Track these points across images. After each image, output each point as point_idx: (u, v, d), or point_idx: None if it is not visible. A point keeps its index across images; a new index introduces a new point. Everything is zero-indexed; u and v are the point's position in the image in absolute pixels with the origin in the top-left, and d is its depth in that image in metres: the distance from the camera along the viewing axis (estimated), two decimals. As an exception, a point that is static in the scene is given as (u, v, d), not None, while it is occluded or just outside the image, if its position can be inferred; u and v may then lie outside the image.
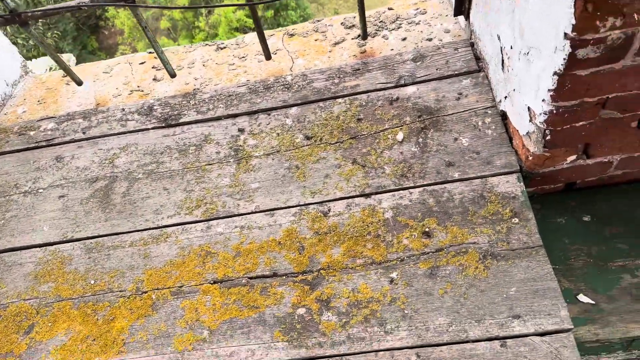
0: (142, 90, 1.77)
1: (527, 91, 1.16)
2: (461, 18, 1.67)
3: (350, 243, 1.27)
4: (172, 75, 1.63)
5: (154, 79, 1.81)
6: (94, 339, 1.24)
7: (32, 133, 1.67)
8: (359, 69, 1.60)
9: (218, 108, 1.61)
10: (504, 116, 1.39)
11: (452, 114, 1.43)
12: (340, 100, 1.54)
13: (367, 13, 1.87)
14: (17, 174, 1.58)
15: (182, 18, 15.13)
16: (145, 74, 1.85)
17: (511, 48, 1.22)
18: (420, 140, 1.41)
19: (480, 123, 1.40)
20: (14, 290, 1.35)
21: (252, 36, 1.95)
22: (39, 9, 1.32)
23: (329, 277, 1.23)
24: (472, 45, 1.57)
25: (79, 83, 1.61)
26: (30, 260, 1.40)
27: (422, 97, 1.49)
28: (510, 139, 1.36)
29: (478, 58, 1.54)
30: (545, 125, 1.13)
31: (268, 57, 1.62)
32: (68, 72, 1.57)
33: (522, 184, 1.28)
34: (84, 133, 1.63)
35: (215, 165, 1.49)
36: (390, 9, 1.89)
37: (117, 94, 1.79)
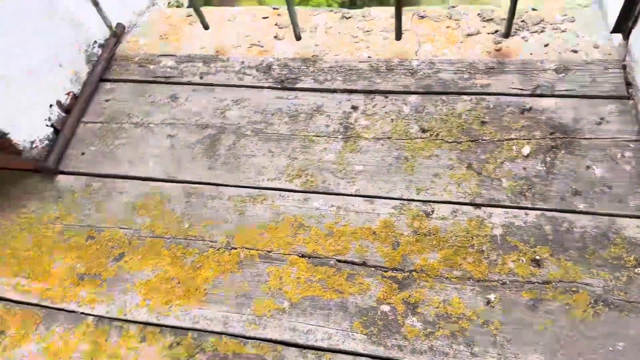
0: (262, 47, 1.75)
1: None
2: (617, 36, 1.50)
3: (449, 251, 1.21)
4: (298, 38, 1.59)
5: (275, 37, 1.79)
6: (179, 282, 1.26)
7: (152, 67, 1.70)
8: (492, 68, 1.49)
9: (336, 80, 1.56)
10: (649, 154, 1.25)
11: (589, 138, 1.31)
12: (466, 97, 1.45)
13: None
14: (132, 104, 1.62)
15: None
16: (267, 29, 1.83)
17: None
18: (548, 159, 1.30)
19: (619, 155, 1.26)
20: (112, 216, 1.40)
21: (379, 10, 1.87)
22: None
23: (420, 281, 1.18)
24: (624, 67, 1.42)
25: (206, 27, 1.61)
26: (132, 191, 1.44)
27: (559, 113, 1.36)
28: (651, 181, 1.22)
29: (629, 84, 1.38)
30: None
31: (398, 37, 1.54)
32: (199, 14, 1.57)
33: (656, 233, 1.15)
34: (201, 78, 1.64)
35: (322, 138, 1.45)
36: (534, 9, 1.74)
37: (237, 44, 1.78)
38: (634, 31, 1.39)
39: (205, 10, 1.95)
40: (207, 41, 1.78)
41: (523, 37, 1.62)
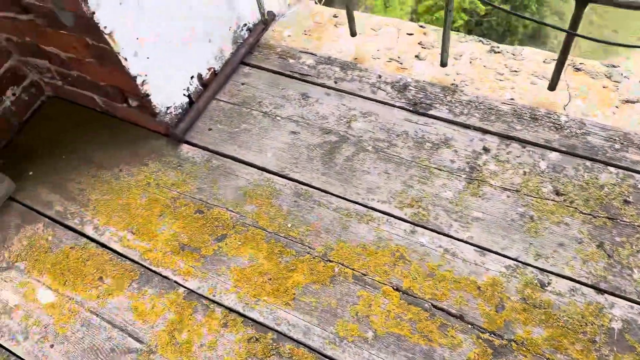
0: (402, 63, 1.72)
1: None
2: None
3: (557, 331, 1.11)
4: (444, 64, 1.54)
5: (416, 57, 1.74)
6: (270, 278, 1.27)
7: (291, 61, 1.73)
8: (651, 145, 1.34)
9: (472, 116, 1.49)
10: None
11: None
12: (612, 169, 1.32)
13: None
14: (265, 93, 1.66)
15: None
16: (409, 46, 1.79)
17: None
18: (696, 263, 1.15)
19: None
20: (223, 196, 1.44)
21: (532, 51, 1.76)
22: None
23: (518, 354, 1.09)
24: None
25: (353, 34, 1.60)
26: (247, 177, 1.47)
27: None
28: None
29: None
30: None
31: (552, 87, 1.44)
32: (351, 20, 1.57)
33: None
34: (335, 82, 1.63)
35: (444, 173, 1.39)
36: None
37: (377, 56, 1.76)
38: None
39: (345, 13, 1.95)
40: (348, 46, 1.77)
41: (692, 118, 1.44)
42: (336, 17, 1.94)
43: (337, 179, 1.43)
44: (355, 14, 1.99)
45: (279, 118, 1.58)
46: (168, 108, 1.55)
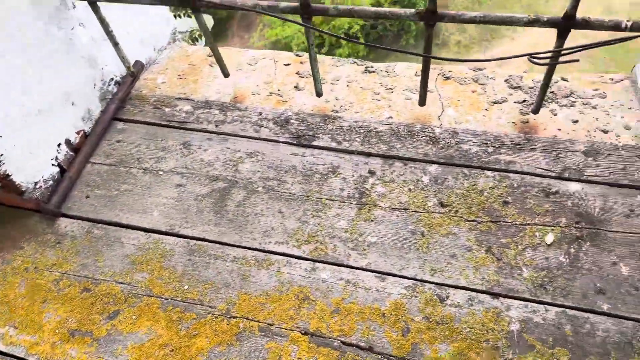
0: (282, 96, 1.71)
1: None
2: (652, 118, 1.44)
3: (462, 344, 1.13)
4: (319, 94, 1.55)
5: (296, 87, 1.75)
6: (172, 350, 1.20)
7: (167, 110, 1.66)
8: (519, 144, 1.43)
9: (354, 141, 1.50)
10: (681, 256, 1.17)
11: (617, 232, 1.24)
12: (489, 173, 1.39)
13: (537, 78, 1.69)
14: (143, 148, 1.58)
15: None
16: (288, 77, 1.79)
17: None
18: (572, 250, 1.23)
19: (649, 254, 1.19)
20: (110, 268, 1.34)
21: (404, 66, 1.83)
22: (216, 1, 1.28)
23: (429, 375, 1.10)
24: (658, 155, 1.35)
25: (226, 75, 1.57)
26: (133, 242, 1.38)
27: (586, 200, 1.30)
28: (683, 286, 1.14)
29: (663, 173, 1.32)
30: None
31: (422, 102, 1.49)
32: (219, 62, 1.53)
33: (686, 346, 1.07)
34: (216, 126, 1.59)
35: (336, 203, 1.39)
36: (564, 79, 1.69)
37: (257, 92, 1.74)
38: (669, 119, 1.32)
39: (225, 51, 1.92)
40: (225, 85, 1.74)
41: (552, 111, 1.56)
42: (211, 56, 1.90)
43: (231, 227, 1.38)
44: (229, 50, 1.97)
45: (161, 172, 1.51)
46: (36, 183, 1.43)
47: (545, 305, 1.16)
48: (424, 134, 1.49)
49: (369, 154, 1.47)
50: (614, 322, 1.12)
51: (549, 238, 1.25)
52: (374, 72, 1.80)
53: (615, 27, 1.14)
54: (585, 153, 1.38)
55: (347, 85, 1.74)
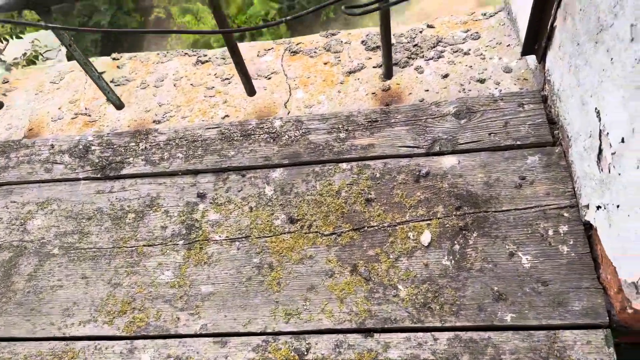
0: (90, 115, 1.34)
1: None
2: (532, 58, 1.16)
3: (332, 415, 0.82)
4: (118, 107, 1.18)
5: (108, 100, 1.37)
6: None
7: None
8: (376, 121, 1.12)
9: (175, 158, 1.15)
10: (588, 226, 0.90)
11: (509, 210, 0.95)
12: (344, 166, 1.07)
13: (399, 31, 1.39)
14: None
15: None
16: (98, 90, 1.41)
17: (622, 142, 0.73)
18: (457, 247, 0.93)
19: (551, 232, 0.91)
20: None
21: (246, 47, 1.49)
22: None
23: None
24: (544, 99, 1.08)
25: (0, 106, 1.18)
26: None
27: (465, 176, 1.00)
28: (596, 265, 0.87)
29: (553, 122, 1.04)
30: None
31: (251, 92, 1.15)
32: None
33: (612, 349, 0.80)
34: (-6, 177, 1.20)
35: (157, 248, 1.04)
36: (430, 26, 1.39)
37: (59, 116, 1.35)
38: (550, 53, 1.04)
39: (23, 72, 1.51)
40: (18, 116, 1.34)
41: (417, 68, 1.26)
42: (5, 83, 1.49)
43: (20, 314, 1.01)
44: (28, 70, 1.56)
45: None
46: None
47: (433, 333, 0.86)
48: (262, 131, 1.16)
49: (196, 172, 1.13)
50: (522, 337, 0.84)
51: (426, 237, 0.95)
52: (207, 61, 1.45)
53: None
54: (457, 115, 1.08)
55: (175, 85, 1.38)
